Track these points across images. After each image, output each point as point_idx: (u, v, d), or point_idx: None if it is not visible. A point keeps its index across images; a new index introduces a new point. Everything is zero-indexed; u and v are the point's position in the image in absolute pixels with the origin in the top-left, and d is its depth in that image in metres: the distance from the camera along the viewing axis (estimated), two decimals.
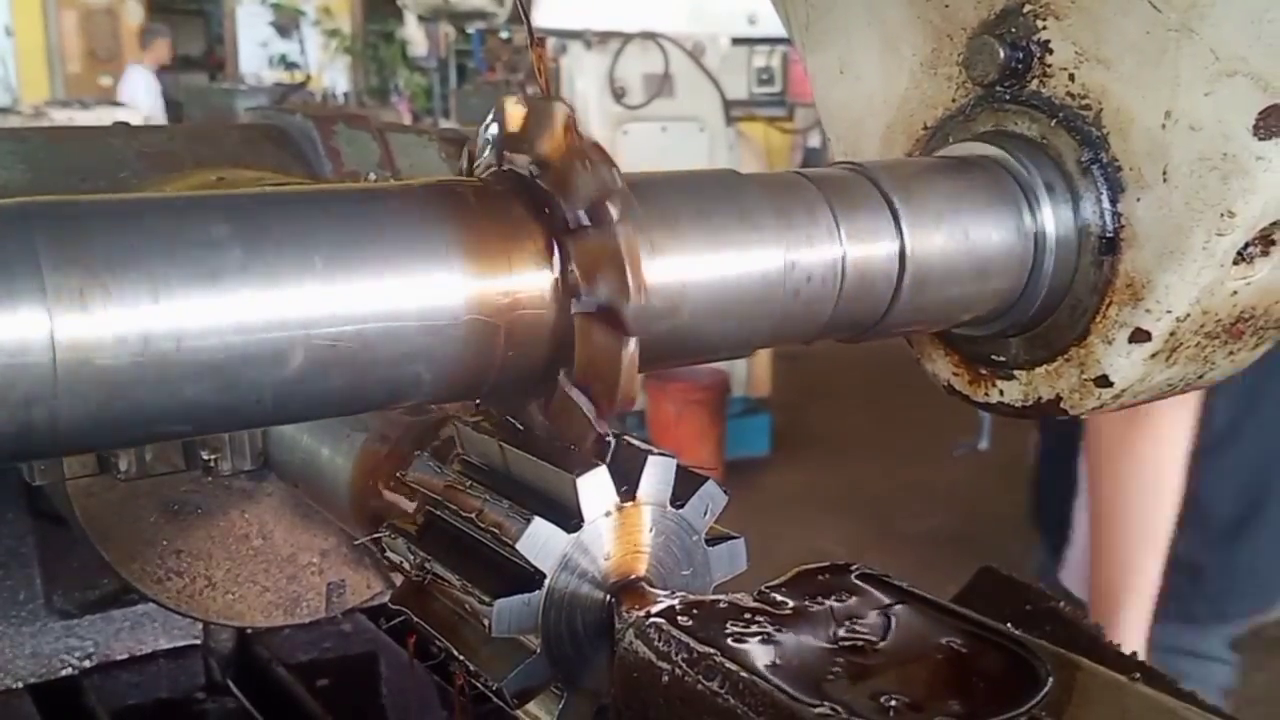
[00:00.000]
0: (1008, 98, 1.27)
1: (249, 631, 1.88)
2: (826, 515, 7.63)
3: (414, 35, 15.82)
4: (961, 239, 1.18)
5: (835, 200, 1.11)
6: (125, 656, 1.81)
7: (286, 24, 18.16)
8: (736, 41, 8.53)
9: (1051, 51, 1.22)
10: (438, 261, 0.88)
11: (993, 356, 1.33)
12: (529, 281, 0.91)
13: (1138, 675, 0.87)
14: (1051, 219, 1.21)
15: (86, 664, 1.78)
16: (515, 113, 0.96)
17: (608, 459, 0.94)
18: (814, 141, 10.43)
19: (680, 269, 0.99)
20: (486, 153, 0.98)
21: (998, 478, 7.89)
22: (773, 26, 8.30)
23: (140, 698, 1.81)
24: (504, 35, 9.07)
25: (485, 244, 0.90)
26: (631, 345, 0.89)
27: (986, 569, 1.18)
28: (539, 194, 0.93)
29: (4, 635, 1.70)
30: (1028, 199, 1.22)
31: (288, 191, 0.92)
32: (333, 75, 18.67)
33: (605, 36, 8.16)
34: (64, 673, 1.76)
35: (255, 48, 18.89)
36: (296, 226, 0.85)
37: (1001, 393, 1.33)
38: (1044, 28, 1.22)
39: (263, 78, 17.07)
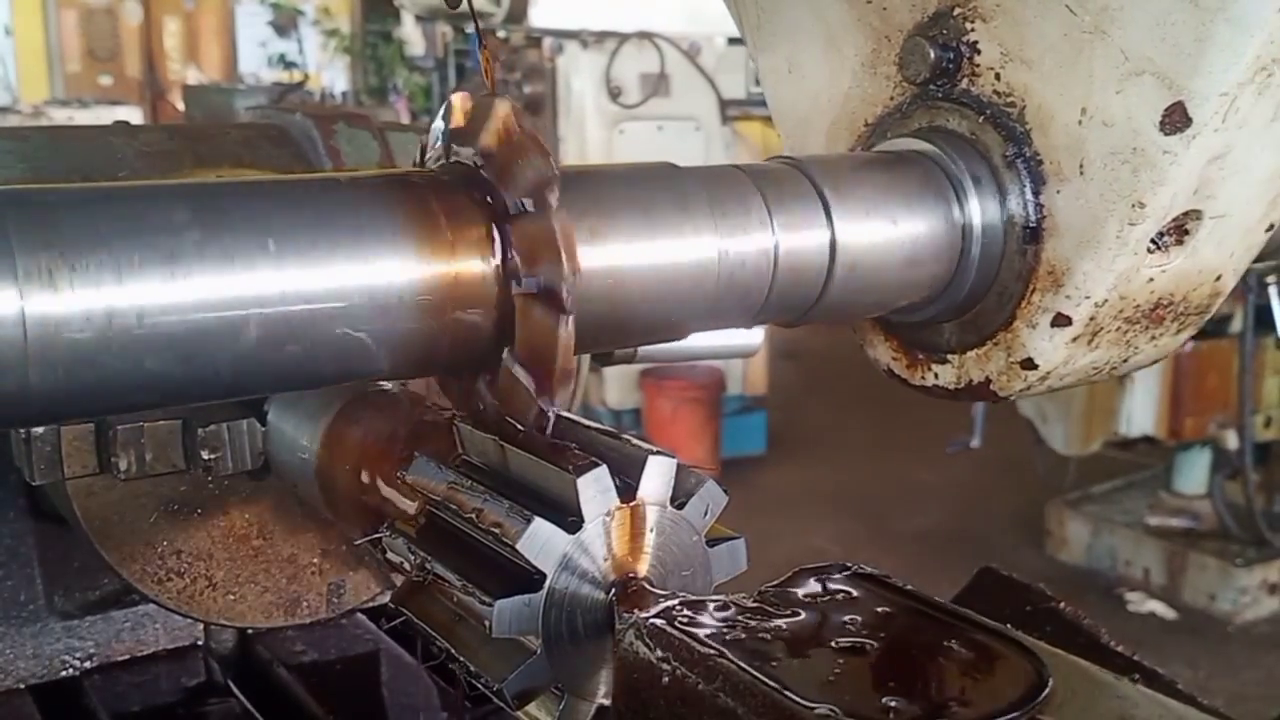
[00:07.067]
0: (940, 96, 1.32)
1: (249, 632, 1.88)
2: (822, 514, 7.63)
3: (412, 35, 15.77)
4: (891, 229, 1.24)
5: (768, 192, 1.16)
6: (126, 657, 1.81)
7: (285, 23, 18.15)
8: (733, 41, 8.52)
9: (979, 52, 1.28)
10: (387, 245, 0.94)
11: (928, 341, 1.39)
12: (473, 264, 0.97)
13: (1137, 676, 0.88)
14: (979, 210, 1.27)
15: (87, 665, 1.78)
16: (462, 108, 1.02)
17: (548, 431, 0.99)
18: None
19: (618, 254, 1.05)
20: (437, 145, 1.05)
21: (991, 476, 7.90)
22: None
23: (141, 698, 1.81)
24: (501, 35, 9.05)
25: (432, 229, 0.95)
26: (568, 323, 0.95)
27: (986, 569, 1.19)
28: (483, 183, 0.99)
29: (5, 636, 1.70)
30: (956, 191, 1.27)
31: (246, 180, 0.95)
32: (331, 75, 18.64)
33: (601, 36, 8.16)
34: (65, 673, 1.76)
35: (254, 47, 18.85)
36: (253, 212, 0.91)
37: (936, 376, 1.39)
38: (972, 30, 1.28)
39: (261, 77, 17.03)
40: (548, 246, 0.95)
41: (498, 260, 0.98)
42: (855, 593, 0.92)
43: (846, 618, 0.89)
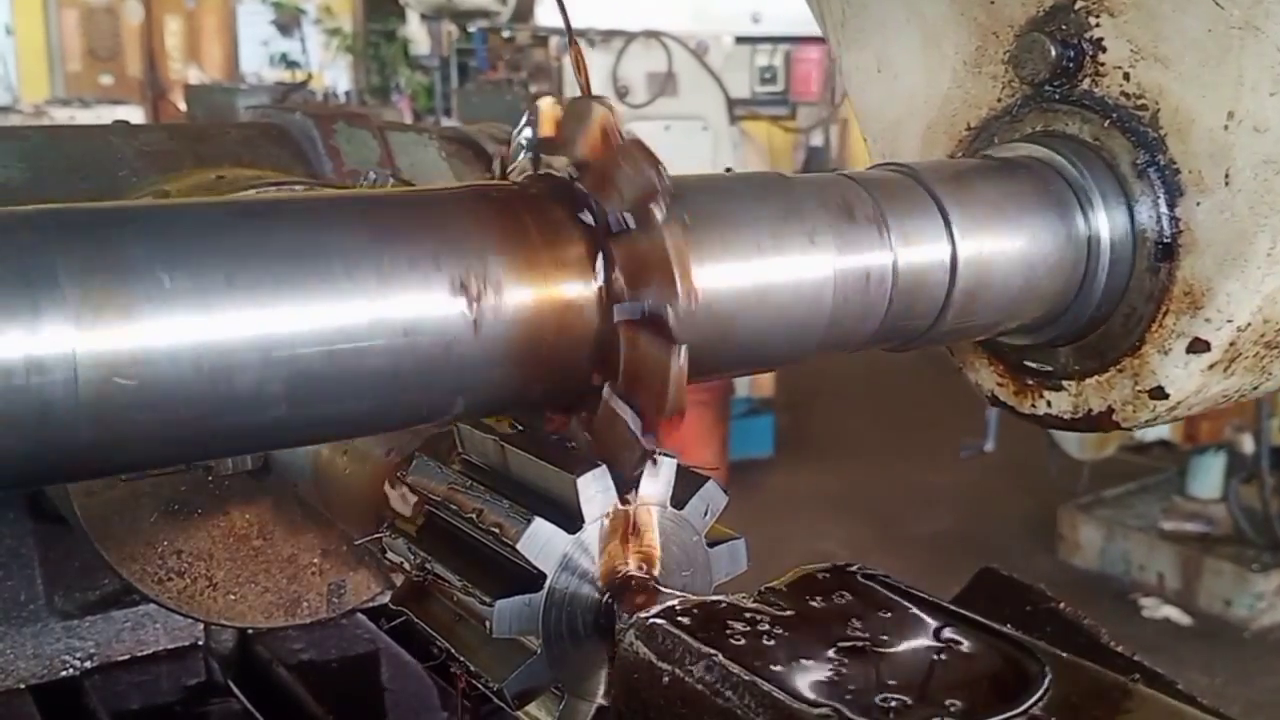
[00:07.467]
0: (1057, 97, 1.23)
1: (250, 632, 1.87)
2: (830, 517, 7.61)
3: (416, 34, 15.79)
4: (1013, 244, 1.14)
5: (885, 203, 1.07)
6: (126, 657, 1.81)
7: (288, 22, 18.16)
8: (740, 40, 8.53)
9: (1105, 50, 1.19)
10: (474, 268, 0.84)
11: (1040, 366, 1.29)
12: (571, 288, 0.87)
13: (1137, 676, 0.87)
14: (1105, 224, 1.18)
15: (88, 665, 1.77)
16: (550, 114, 0.92)
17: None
18: (816, 140, 10.42)
19: (728, 275, 0.95)
20: (521, 157, 0.95)
21: (1004, 480, 7.87)
22: (776, 25, 8.29)
23: (141, 698, 1.80)
24: (506, 34, 9.07)
25: (525, 251, 0.86)
26: (681, 353, 0.85)
27: (987, 569, 1.18)
28: (579, 197, 0.90)
29: (5, 636, 1.70)
30: (1080, 203, 1.18)
31: (318, 197, 0.86)
32: (334, 74, 18.67)
33: (608, 35, 8.17)
34: (65, 673, 1.76)
35: (256, 46, 18.88)
36: (332, 235, 0.81)
37: (1049, 404, 1.29)
38: (1097, 25, 1.19)
39: (264, 76, 17.06)
40: (657, 266, 0.85)
41: (600, 285, 0.88)
42: (856, 593, 0.92)
43: (847, 618, 0.88)
